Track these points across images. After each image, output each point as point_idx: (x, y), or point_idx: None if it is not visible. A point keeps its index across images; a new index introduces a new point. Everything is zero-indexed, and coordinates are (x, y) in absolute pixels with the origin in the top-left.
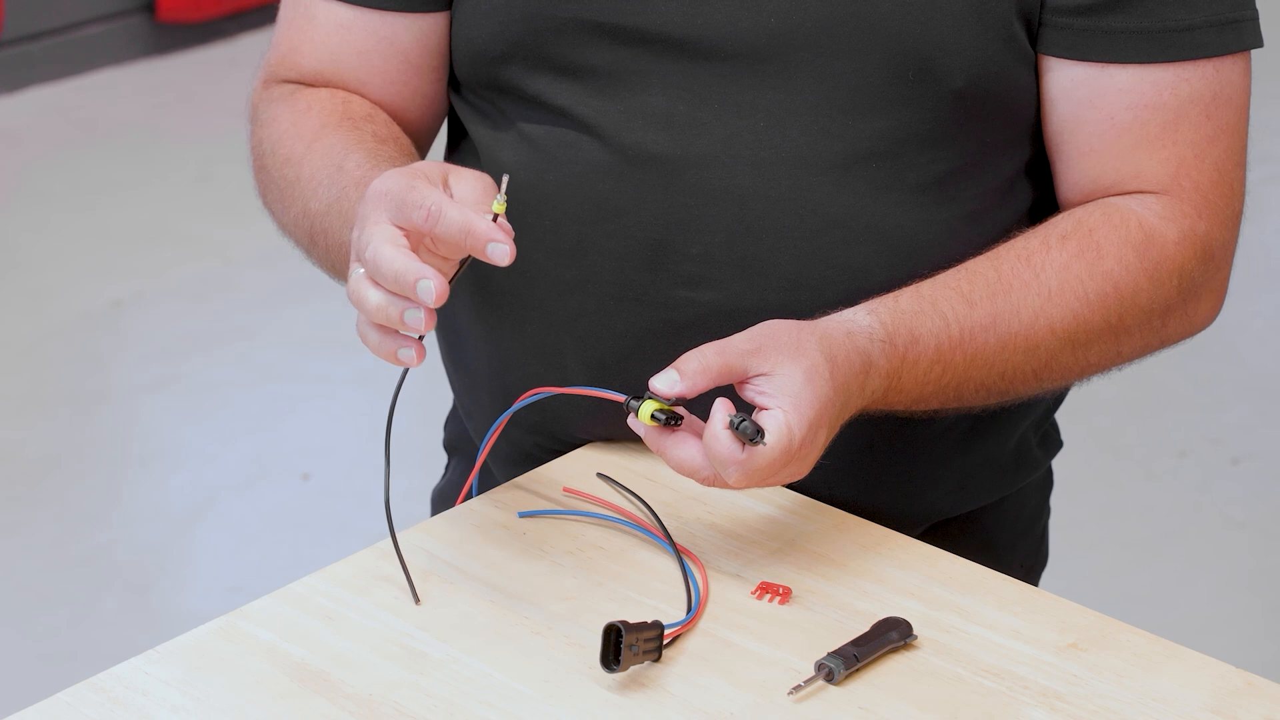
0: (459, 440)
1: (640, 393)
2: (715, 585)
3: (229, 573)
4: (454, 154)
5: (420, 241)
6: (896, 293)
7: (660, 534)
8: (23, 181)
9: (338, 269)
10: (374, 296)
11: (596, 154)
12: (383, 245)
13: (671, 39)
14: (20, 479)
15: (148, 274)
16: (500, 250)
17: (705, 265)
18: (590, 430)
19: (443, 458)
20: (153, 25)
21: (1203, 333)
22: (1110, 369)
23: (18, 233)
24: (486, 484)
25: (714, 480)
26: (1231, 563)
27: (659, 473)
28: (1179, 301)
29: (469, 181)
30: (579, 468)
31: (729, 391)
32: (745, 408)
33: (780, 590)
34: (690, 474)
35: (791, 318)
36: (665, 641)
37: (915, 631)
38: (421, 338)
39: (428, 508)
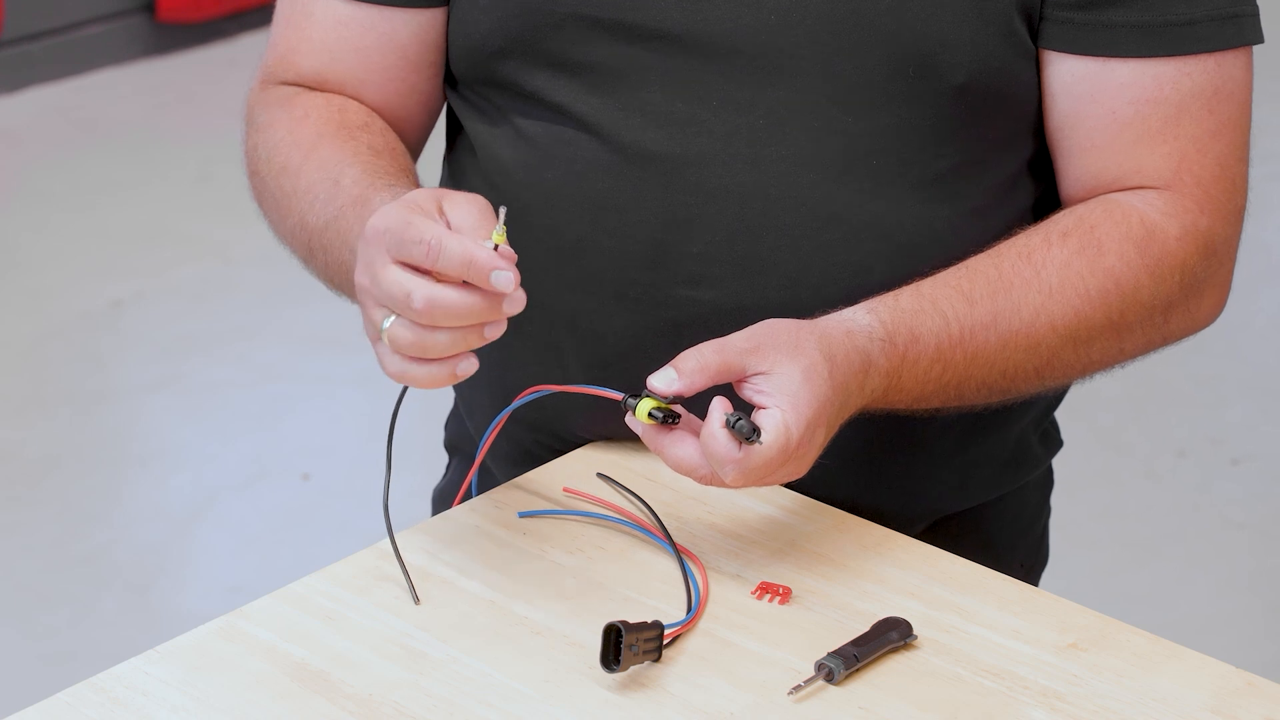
0: (460, 440)
1: (638, 391)
2: (715, 585)
3: (229, 573)
4: (452, 151)
5: (425, 275)
6: (896, 291)
7: (660, 534)
8: (23, 181)
9: (335, 283)
10: (431, 335)
11: (595, 152)
12: (418, 286)
13: (671, 35)
14: (20, 479)
15: (148, 274)
16: (504, 278)
17: (705, 264)
18: (591, 429)
19: (443, 457)
20: (153, 25)
21: (1204, 330)
22: (1112, 366)
23: (18, 233)
24: (486, 484)
25: (711, 479)
26: (1231, 563)
27: (659, 473)
28: (1181, 297)
29: (464, 207)
30: (579, 468)
31: (727, 390)
32: (743, 406)
33: (780, 590)
34: (687, 473)
35: (792, 316)
36: (665, 641)
37: (915, 631)
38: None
39: (428, 508)
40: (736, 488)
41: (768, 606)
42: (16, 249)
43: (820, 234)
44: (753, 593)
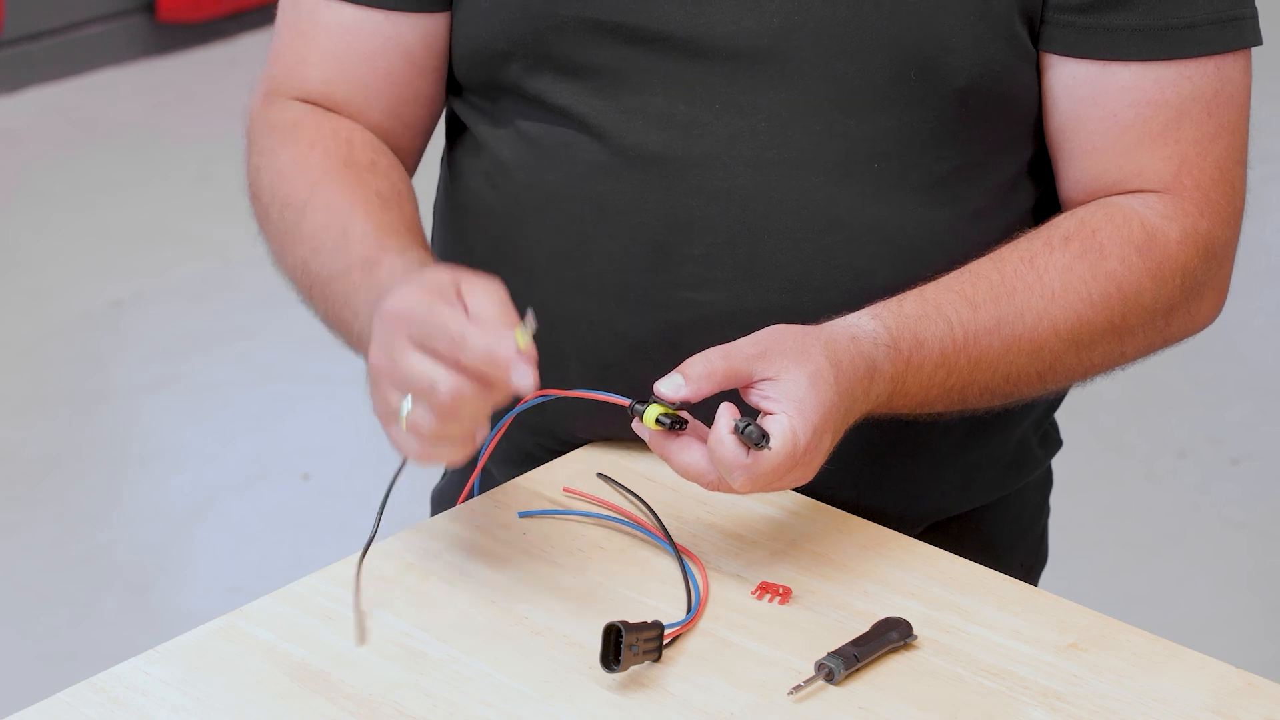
0: None
1: (644, 396)
2: (715, 585)
3: (229, 573)
4: (452, 152)
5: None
6: (900, 297)
7: (660, 534)
8: (23, 181)
9: (333, 330)
10: (453, 422)
11: (597, 154)
12: (443, 377)
13: (674, 38)
14: (20, 479)
15: (148, 274)
16: (525, 382)
17: (707, 266)
18: (591, 430)
19: None
20: (153, 25)
21: (1204, 331)
22: (1114, 369)
23: (18, 233)
24: (486, 484)
25: (718, 485)
26: (1231, 563)
27: (659, 473)
28: (1182, 300)
29: (483, 296)
30: (579, 468)
31: (733, 396)
32: (750, 412)
33: (780, 590)
34: (695, 479)
35: (794, 319)
36: (665, 641)
37: (915, 631)
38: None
39: (428, 508)
40: (744, 493)
41: (768, 606)
42: (16, 249)
43: (822, 237)
44: (753, 593)
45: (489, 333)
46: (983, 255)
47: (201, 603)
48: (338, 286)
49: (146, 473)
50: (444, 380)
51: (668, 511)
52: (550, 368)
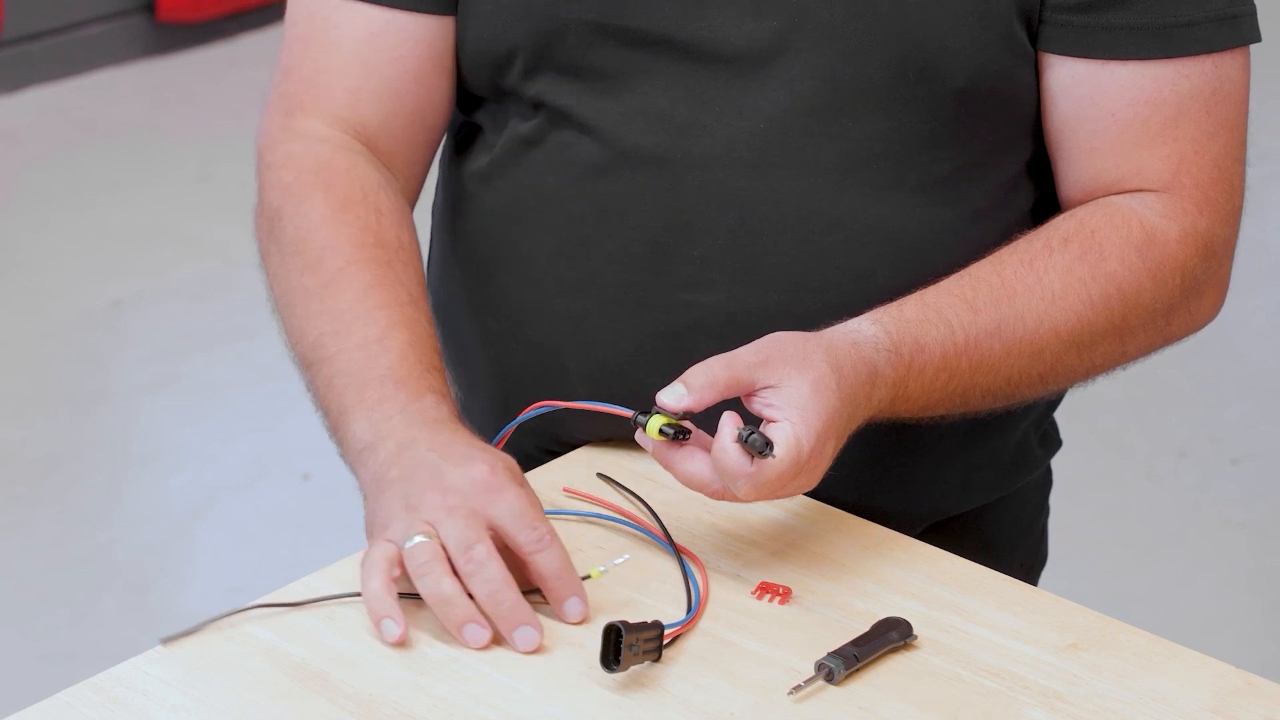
0: None
1: (644, 401)
2: (715, 585)
3: (229, 573)
4: (453, 153)
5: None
6: (901, 301)
7: (660, 534)
8: (23, 181)
9: (320, 408)
10: (449, 583)
11: (597, 155)
12: (501, 585)
13: (674, 41)
14: (20, 479)
15: (148, 274)
16: (575, 613)
17: (706, 268)
18: (590, 432)
19: None
20: (153, 25)
21: (1204, 330)
22: (1115, 369)
23: (18, 233)
24: None
25: (723, 494)
26: (1231, 563)
27: (659, 473)
28: (1182, 299)
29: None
30: (579, 468)
31: (736, 404)
32: (752, 420)
33: (780, 590)
34: (699, 488)
35: (794, 320)
36: (665, 641)
37: (915, 631)
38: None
39: None
40: (748, 501)
41: (768, 606)
42: (16, 249)
43: (822, 238)
44: (753, 593)
45: (566, 553)
46: (983, 256)
47: (201, 603)
48: (350, 401)
49: (146, 473)
50: (488, 562)
51: (668, 511)
52: (548, 368)
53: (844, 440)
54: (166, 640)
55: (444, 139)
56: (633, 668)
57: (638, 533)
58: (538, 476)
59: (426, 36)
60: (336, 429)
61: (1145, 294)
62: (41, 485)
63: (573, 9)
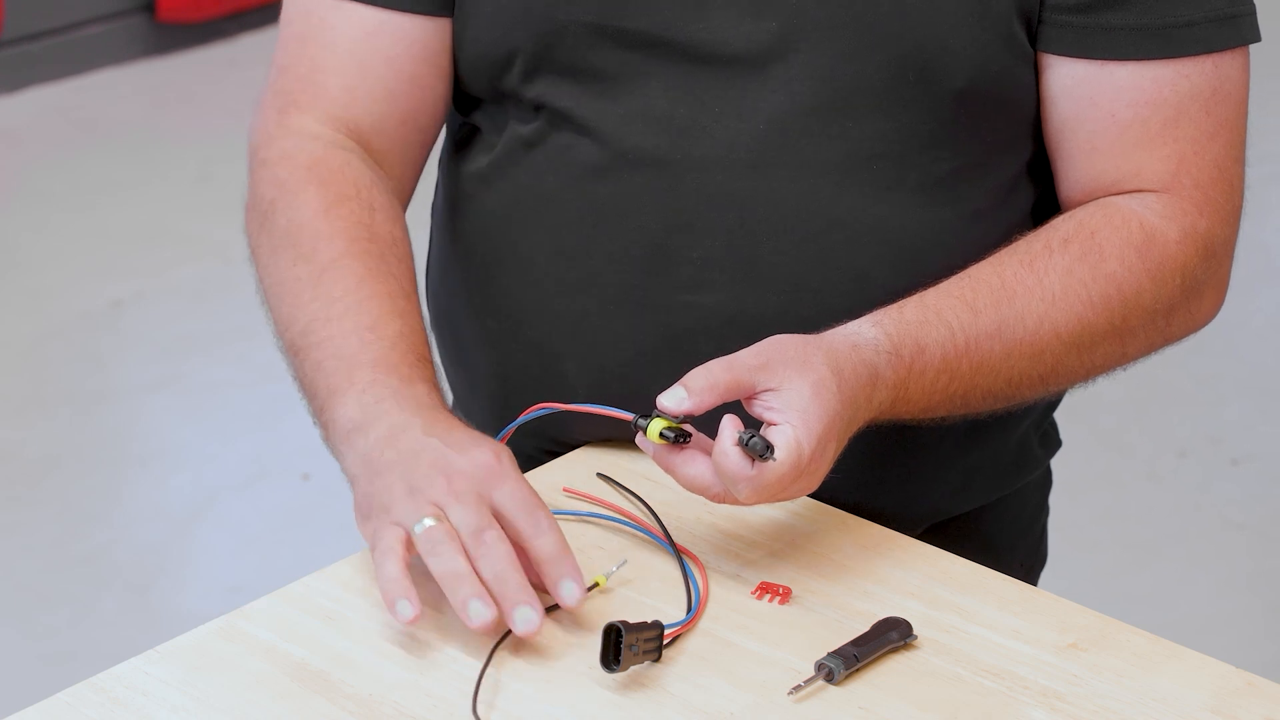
0: None
1: (644, 402)
2: (715, 585)
3: (229, 573)
4: (452, 154)
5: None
6: (901, 303)
7: (660, 534)
8: (23, 181)
9: (305, 394)
10: (460, 560)
11: (596, 157)
12: (509, 566)
13: (673, 42)
14: (20, 479)
15: (148, 274)
16: (572, 598)
17: (706, 269)
18: (589, 433)
19: None
20: (153, 25)
21: (1203, 330)
22: (1115, 369)
23: (18, 233)
24: None
25: (724, 497)
26: (1231, 563)
27: (659, 473)
28: (1182, 300)
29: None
30: (579, 468)
31: (736, 407)
32: (752, 423)
33: (780, 590)
34: (700, 491)
35: (794, 321)
36: (665, 641)
37: (915, 631)
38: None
39: None
40: (749, 505)
41: (768, 606)
42: (16, 249)
43: (822, 239)
44: (753, 593)
45: (564, 539)
46: (982, 257)
47: (201, 603)
48: (339, 385)
49: (146, 473)
50: (495, 541)
51: (668, 511)
52: (548, 369)
53: (845, 443)
54: None
55: (444, 140)
56: (633, 668)
57: (638, 533)
58: (538, 476)
59: (422, 37)
60: (323, 410)
61: (1145, 295)
62: (41, 485)
63: (572, 11)
